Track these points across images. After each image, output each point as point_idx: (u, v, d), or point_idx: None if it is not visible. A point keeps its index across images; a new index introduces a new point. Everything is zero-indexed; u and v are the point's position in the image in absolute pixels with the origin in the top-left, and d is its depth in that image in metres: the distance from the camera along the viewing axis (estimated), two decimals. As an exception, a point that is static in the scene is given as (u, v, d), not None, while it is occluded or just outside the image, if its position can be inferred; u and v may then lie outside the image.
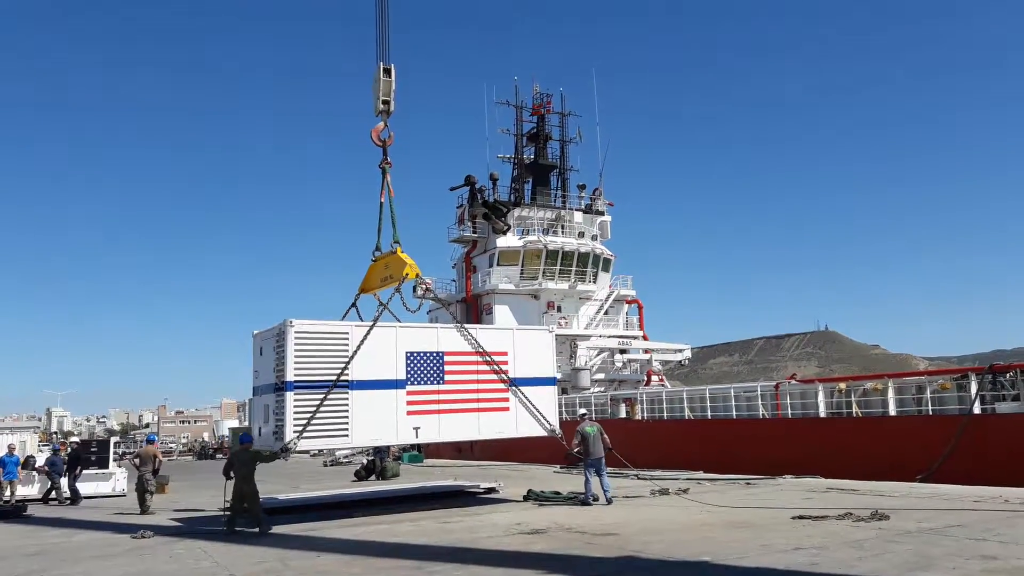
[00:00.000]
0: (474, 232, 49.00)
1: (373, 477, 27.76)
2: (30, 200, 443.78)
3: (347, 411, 15.88)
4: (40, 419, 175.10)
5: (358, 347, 16.02)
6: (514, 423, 17.81)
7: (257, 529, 14.47)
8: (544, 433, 18.15)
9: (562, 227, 49.65)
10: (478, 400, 17.40)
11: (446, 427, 17.04)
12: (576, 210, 51.01)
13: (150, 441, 22.66)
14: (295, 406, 15.29)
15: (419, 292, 44.42)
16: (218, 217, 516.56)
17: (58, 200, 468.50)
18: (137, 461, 19.96)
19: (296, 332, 15.56)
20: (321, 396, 15.50)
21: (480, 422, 17.43)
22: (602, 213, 51.95)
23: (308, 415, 15.31)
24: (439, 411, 16.89)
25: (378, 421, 16.24)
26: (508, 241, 47.31)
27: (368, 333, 16.24)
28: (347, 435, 15.99)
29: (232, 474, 14.95)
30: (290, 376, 15.36)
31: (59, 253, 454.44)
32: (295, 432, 15.09)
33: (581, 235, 49.89)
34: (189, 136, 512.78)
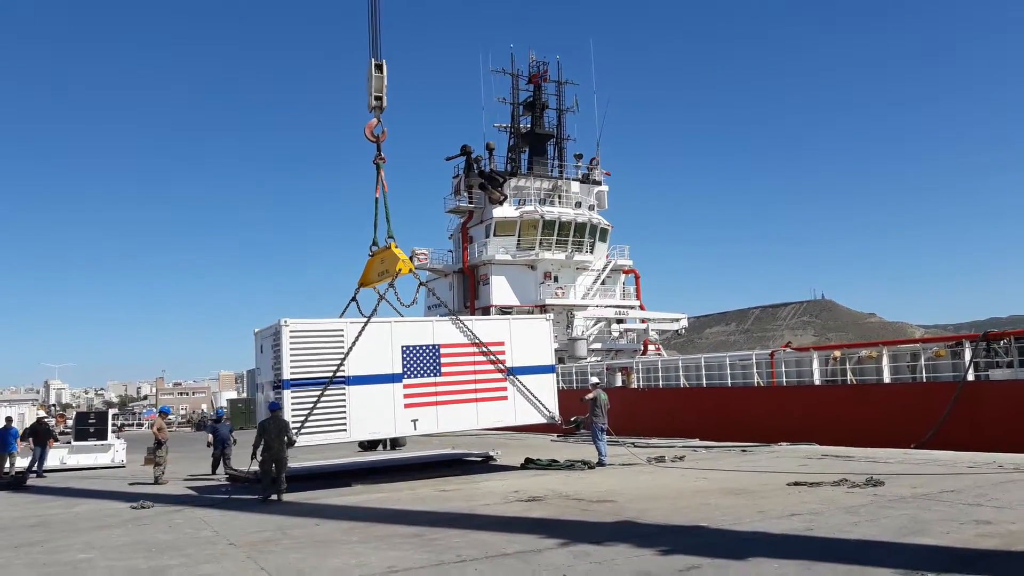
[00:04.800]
0: (470, 202, 48.77)
1: (380, 447, 27.91)
2: (27, 173, 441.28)
3: (344, 406, 16.21)
4: (38, 391, 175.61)
5: (353, 344, 16.27)
6: (512, 412, 18.12)
7: (276, 496, 14.74)
8: (543, 420, 18.52)
9: (559, 197, 49.46)
10: (476, 391, 17.68)
11: (444, 418, 17.35)
12: (573, 180, 50.75)
13: (162, 412, 22.65)
14: (293, 403, 15.64)
15: (415, 263, 44.53)
16: (216, 191, 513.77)
17: (56, 175, 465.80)
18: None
19: (291, 331, 15.86)
20: (318, 393, 15.81)
21: (478, 412, 17.72)
22: (599, 183, 51.70)
23: (306, 412, 15.65)
24: (436, 403, 17.20)
25: (376, 415, 16.59)
26: (504, 211, 47.12)
27: (363, 330, 16.47)
28: (345, 430, 16.32)
29: (264, 444, 14.89)
30: (287, 374, 15.69)
31: (57, 226, 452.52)
32: (294, 428, 15.40)
33: (578, 205, 49.72)
34: (186, 115, 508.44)
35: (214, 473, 20.59)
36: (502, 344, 18.12)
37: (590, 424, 18.86)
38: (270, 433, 14.89)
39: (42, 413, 36.22)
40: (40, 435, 22.89)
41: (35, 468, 22.40)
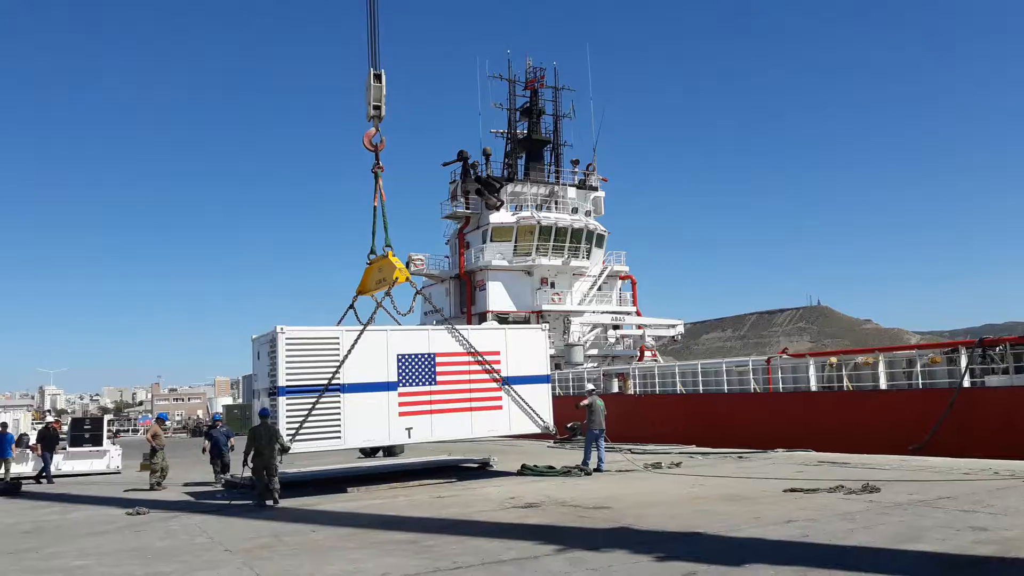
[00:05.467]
0: (467, 208, 48.88)
1: (380, 453, 27.88)
2: (23, 178, 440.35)
3: (339, 414, 16.35)
4: (33, 397, 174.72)
5: (348, 351, 16.39)
6: (507, 421, 18.24)
7: (271, 502, 14.89)
8: (538, 430, 18.67)
9: (555, 203, 49.57)
10: (471, 400, 17.79)
11: (439, 427, 17.45)
12: (569, 186, 50.93)
13: (159, 419, 22.68)
14: (287, 410, 15.78)
15: (411, 269, 44.39)
16: (213, 196, 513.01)
17: (52, 180, 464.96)
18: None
19: (287, 339, 16.00)
20: (313, 400, 15.95)
21: (473, 421, 17.82)
22: (595, 188, 51.87)
23: (300, 419, 15.77)
24: (431, 411, 17.31)
25: (370, 423, 16.72)
26: (501, 217, 47.22)
27: (358, 338, 16.58)
28: (340, 437, 16.42)
29: (255, 451, 15.04)
30: (282, 381, 15.83)
31: (53, 230, 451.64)
32: (288, 435, 15.53)
33: (574, 211, 49.84)
34: (185, 119, 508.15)
35: (217, 479, 20.51)
36: (497, 353, 18.24)
37: (586, 430, 18.90)
38: (261, 439, 15.03)
39: (51, 419, 36.72)
40: (48, 441, 23.10)
41: (45, 474, 22.59)
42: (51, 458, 22.96)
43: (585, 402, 18.96)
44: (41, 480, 22.46)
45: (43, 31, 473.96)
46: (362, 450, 28.07)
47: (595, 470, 18.05)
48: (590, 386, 21.42)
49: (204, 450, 21.15)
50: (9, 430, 23.52)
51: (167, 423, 23.07)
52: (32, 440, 25.46)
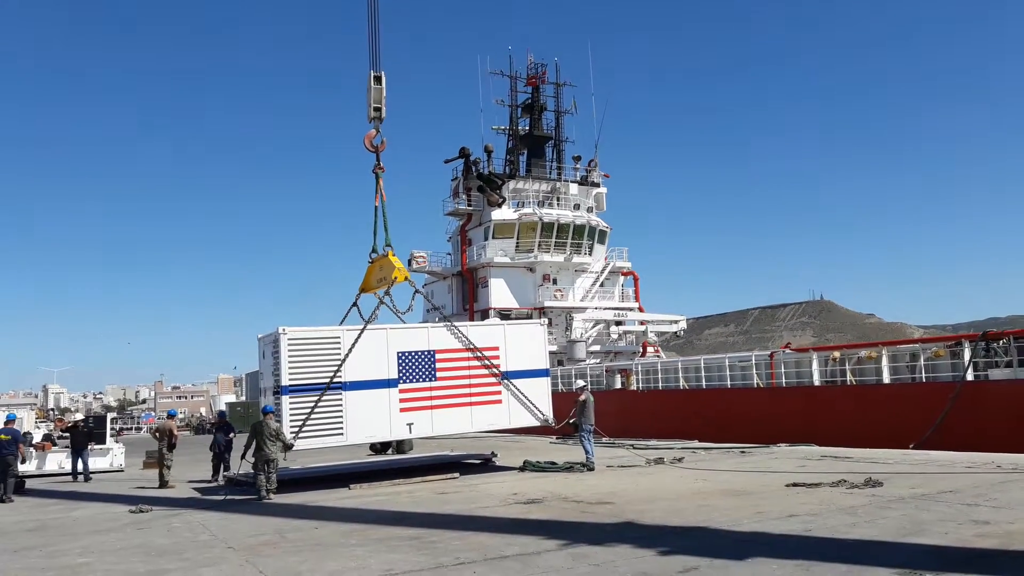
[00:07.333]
0: (469, 205, 48.85)
1: (389, 451, 27.89)
2: (27, 176, 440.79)
3: (341, 411, 16.59)
4: (36, 396, 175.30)
5: (349, 351, 16.63)
6: (507, 415, 18.43)
7: (270, 498, 15.19)
8: (538, 423, 18.83)
9: (557, 199, 49.52)
10: (471, 395, 17.99)
11: (439, 422, 17.67)
12: (571, 182, 50.83)
13: (170, 416, 22.71)
14: (291, 409, 16.05)
15: (413, 266, 44.25)
16: (212, 192, 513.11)
17: (55, 178, 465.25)
18: (157, 435, 20.25)
19: (289, 339, 16.26)
20: (316, 398, 16.21)
21: (473, 415, 18.04)
22: (597, 185, 51.78)
23: (304, 416, 16.03)
24: (432, 407, 17.53)
25: (372, 419, 16.96)
26: (503, 214, 47.17)
27: (359, 337, 16.82)
28: (342, 434, 16.65)
29: (256, 446, 15.39)
30: (285, 381, 16.09)
31: (55, 229, 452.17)
32: (292, 432, 15.81)
33: (576, 207, 49.77)
34: (184, 118, 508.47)
35: (215, 477, 20.52)
36: (496, 349, 18.40)
37: (580, 426, 18.80)
38: (261, 435, 15.35)
39: (80, 416, 37.00)
40: (78, 438, 23.04)
41: (81, 471, 22.56)
42: (85, 456, 22.87)
43: (582, 398, 18.86)
44: (89, 478, 22.35)
45: (49, 29, 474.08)
46: (372, 447, 28.15)
47: (591, 464, 17.94)
48: (581, 382, 21.37)
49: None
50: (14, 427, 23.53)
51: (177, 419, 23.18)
52: (36, 439, 25.48)
